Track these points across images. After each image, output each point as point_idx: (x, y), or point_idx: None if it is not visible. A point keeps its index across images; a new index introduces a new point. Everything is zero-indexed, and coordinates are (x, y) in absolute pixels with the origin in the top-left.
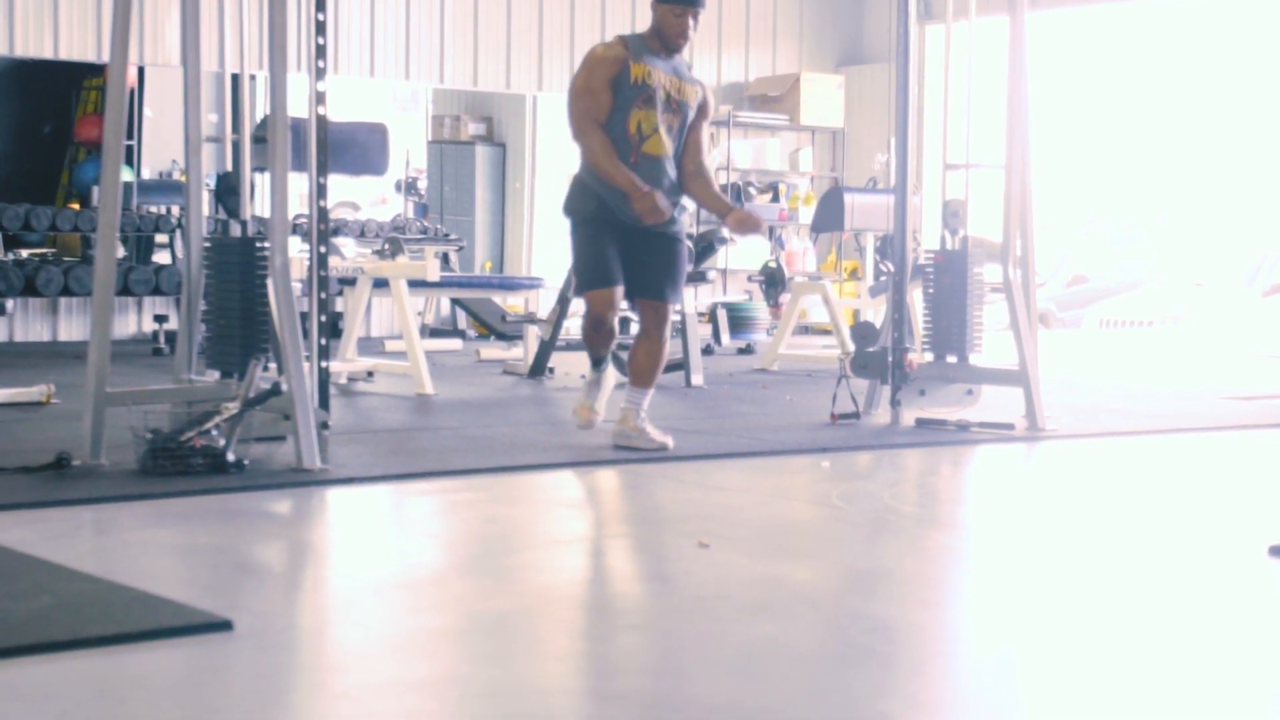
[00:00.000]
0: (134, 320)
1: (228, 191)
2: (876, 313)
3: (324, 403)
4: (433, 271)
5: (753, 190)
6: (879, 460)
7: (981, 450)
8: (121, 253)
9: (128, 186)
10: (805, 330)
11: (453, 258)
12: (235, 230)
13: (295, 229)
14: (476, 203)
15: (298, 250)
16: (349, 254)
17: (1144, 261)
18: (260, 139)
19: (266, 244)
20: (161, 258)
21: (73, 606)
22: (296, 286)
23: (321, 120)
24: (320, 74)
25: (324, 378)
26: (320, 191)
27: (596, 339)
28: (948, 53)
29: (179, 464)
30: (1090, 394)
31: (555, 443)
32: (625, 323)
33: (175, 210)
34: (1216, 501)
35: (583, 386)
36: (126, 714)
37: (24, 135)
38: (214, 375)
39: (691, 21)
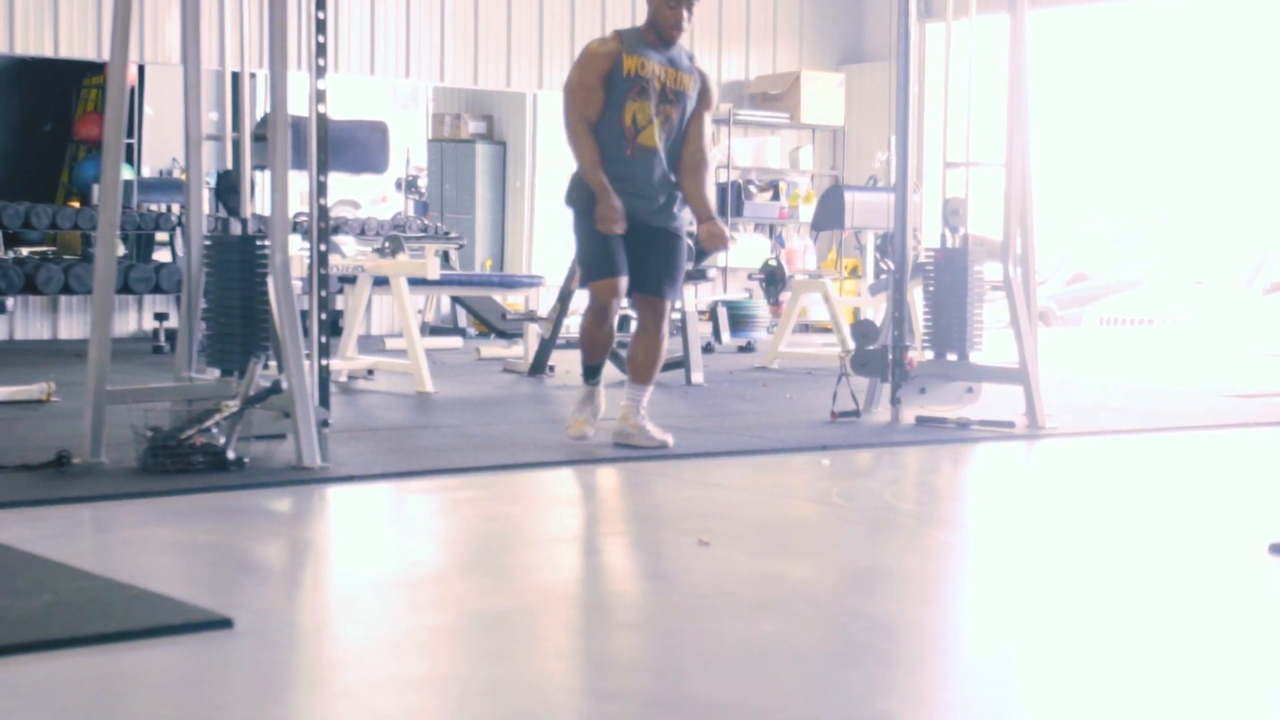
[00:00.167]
0: (134, 318)
1: (228, 189)
2: (877, 311)
3: (324, 401)
4: (433, 269)
5: (753, 189)
6: (879, 458)
7: (982, 448)
8: (122, 251)
9: (128, 184)
10: (805, 328)
11: (453, 256)
12: (235, 228)
13: (295, 227)
14: (477, 201)
15: (298, 248)
16: (349, 252)
17: (1144, 260)
18: (260, 137)
19: (267, 242)
20: (162, 256)
21: (73, 604)
22: (297, 284)
23: (322, 118)
24: (320, 72)
25: (324, 376)
26: (320, 189)
27: (599, 334)
28: (948, 51)
29: (179, 462)
30: (1090, 392)
31: (555, 441)
32: (624, 321)
33: (175, 208)
34: (1216, 499)
35: (576, 401)
36: (127, 711)
37: (24, 133)
38: (214, 373)
39: (685, 12)
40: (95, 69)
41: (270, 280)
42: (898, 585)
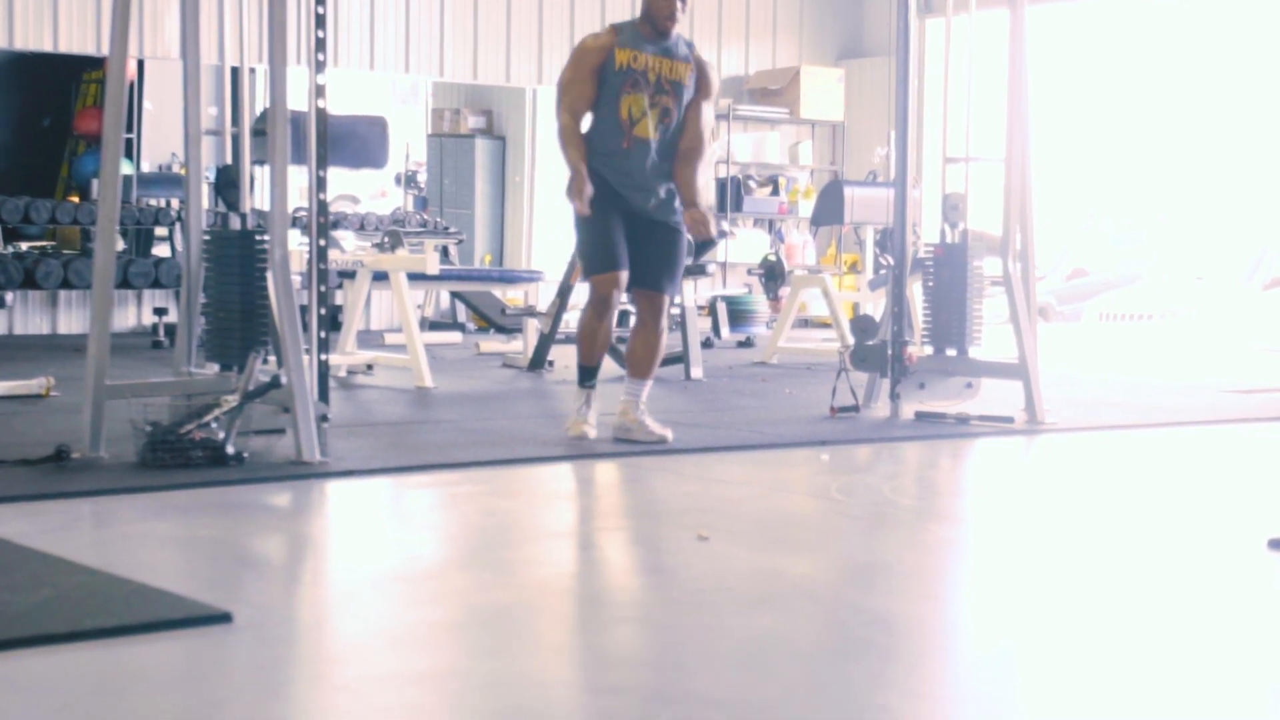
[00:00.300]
0: (133, 313)
1: (227, 185)
2: (876, 306)
3: (323, 396)
4: (432, 265)
5: (753, 184)
6: (878, 453)
7: (981, 443)
8: (121, 246)
9: (127, 179)
10: (805, 324)
11: (452, 251)
12: (235, 223)
13: (295, 222)
14: (476, 196)
15: (297, 243)
16: (349, 247)
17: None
18: (260, 132)
19: (266, 237)
20: (161, 251)
21: (72, 599)
22: (296, 279)
23: (321, 113)
24: (320, 67)
25: (323, 371)
26: (320, 185)
27: (599, 329)
28: (948, 46)
29: (178, 457)
30: (1090, 387)
31: (554, 436)
32: (624, 316)
33: (175, 203)
34: (1216, 495)
35: (574, 403)
36: (126, 706)
37: (24, 128)
38: (213, 368)
39: (679, 3)
40: (95, 64)
41: (269, 275)
42: (897, 580)
